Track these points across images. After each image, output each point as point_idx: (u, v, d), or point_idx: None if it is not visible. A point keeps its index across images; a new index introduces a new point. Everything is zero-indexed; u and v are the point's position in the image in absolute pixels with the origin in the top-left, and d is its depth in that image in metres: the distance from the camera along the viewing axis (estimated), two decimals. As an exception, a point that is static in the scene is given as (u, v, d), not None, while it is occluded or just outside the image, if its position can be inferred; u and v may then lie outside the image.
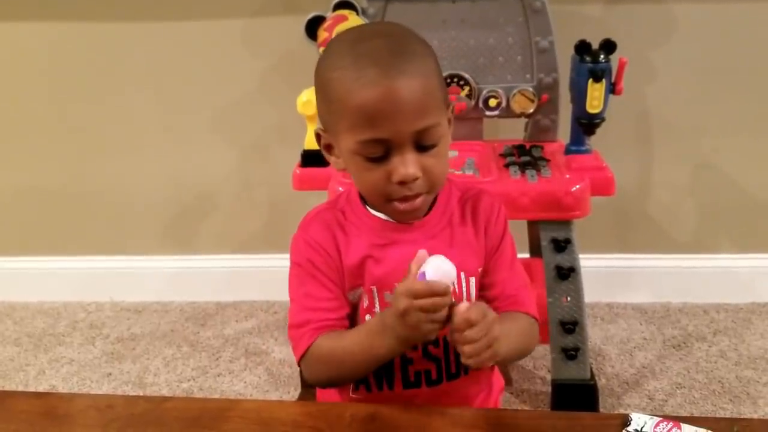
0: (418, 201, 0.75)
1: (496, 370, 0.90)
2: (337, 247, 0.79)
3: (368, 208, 0.80)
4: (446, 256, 0.70)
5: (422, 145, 0.72)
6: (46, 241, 1.94)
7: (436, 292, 0.66)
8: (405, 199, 0.74)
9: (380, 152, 0.72)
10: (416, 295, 0.66)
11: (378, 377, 0.80)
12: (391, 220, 0.79)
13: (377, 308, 0.78)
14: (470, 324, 0.66)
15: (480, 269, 0.82)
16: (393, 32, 0.76)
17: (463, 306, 0.67)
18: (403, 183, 0.72)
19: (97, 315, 1.88)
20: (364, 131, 0.71)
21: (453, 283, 0.69)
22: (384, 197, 0.75)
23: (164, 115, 1.77)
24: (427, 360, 0.79)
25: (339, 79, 0.72)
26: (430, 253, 0.70)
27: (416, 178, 0.72)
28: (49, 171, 1.86)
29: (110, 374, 1.63)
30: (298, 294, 0.79)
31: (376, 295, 0.78)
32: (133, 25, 1.69)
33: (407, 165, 0.71)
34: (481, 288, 0.83)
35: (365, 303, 0.78)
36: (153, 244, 1.91)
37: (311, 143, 1.38)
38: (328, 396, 0.85)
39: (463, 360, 0.68)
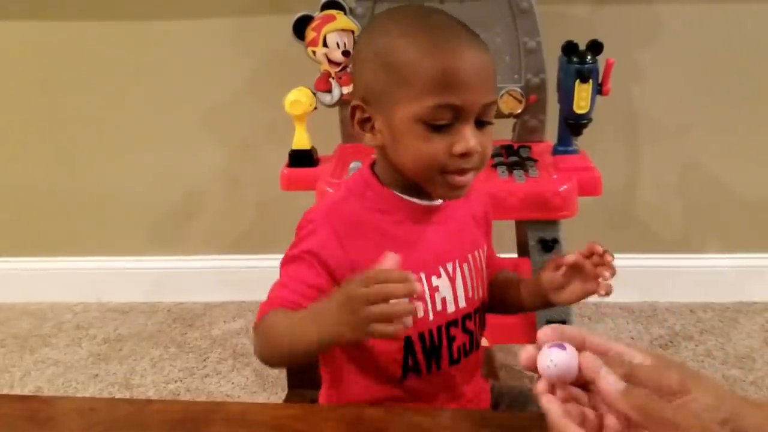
0: (470, 175, 0.74)
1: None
2: (357, 243, 0.74)
3: (393, 191, 0.77)
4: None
5: (482, 120, 0.72)
6: (32, 241, 1.92)
7: (390, 278, 0.58)
8: (462, 171, 0.73)
9: (448, 119, 0.70)
10: (373, 281, 0.58)
11: (428, 360, 0.78)
12: (421, 202, 0.77)
13: (427, 295, 0.76)
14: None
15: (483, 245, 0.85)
16: (444, 12, 0.77)
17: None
18: (464, 155, 0.71)
19: (83, 316, 1.87)
20: (437, 95, 0.69)
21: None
22: (439, 169, 0.73)
23: (152, 114, 1.76)
24: (465, 334, 0.81)
25: (410, 46, 0.71)
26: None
27: (477, 152, 0.72)
28: (35, 171, 1.85)
29: (97, 375, 1.62)
30: (290, 269, 0.75)
31: (425, 281, 0.76)
32: (122, 24, 1.68)
33: (470, 138, 0.71)
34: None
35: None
36: (140, 244, 1.90)
37: (299, 143, 1.38)
38: (357, 391, 0.80)
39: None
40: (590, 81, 1.26)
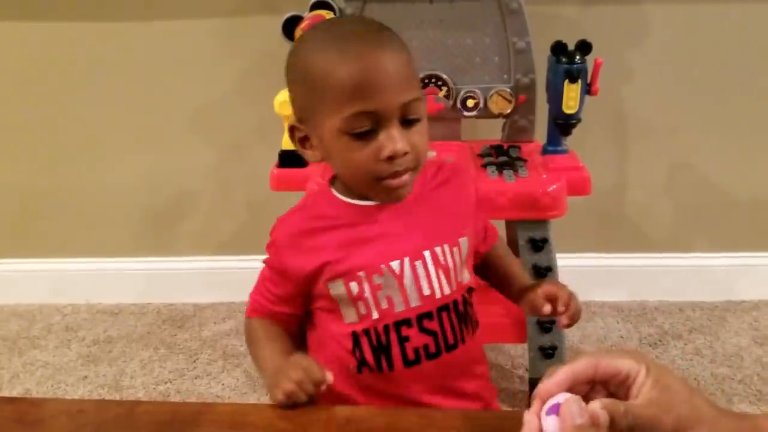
0: (406, 176, 0.75)
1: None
2: (304, 247, 0.79)
3: (340, 196, 0.81)
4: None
5: (408, 119, 0.73)
6: (21, 242, 1.91)
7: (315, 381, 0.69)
8: (395, 175, 0.74)
9: (368, 125, 0.72)
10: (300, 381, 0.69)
11: (377, 358, 0.80)
12: (367, 203, 0.79)
13: (367, 293, 0.78)
14: (554, 295, 0.80)
15: (467, 233, 0.84)
16: (365, 18, 0.79)
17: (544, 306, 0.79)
18: (392, 158, 0.72)
19: (72, 317, 1.86)
20: (352, 104, 0.71)
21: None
22: (373, 176, 0.74)
23: (141, 115, 1.75)
24: (424, 334, 0.80)
25: (321, 60, 0.73)
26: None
27: (405, 153, 0.72)
28: (24, 171, 1.83)
29: (86, 377, 1.61)
30: (263, 274, 0.84)
31: (365, 279, 0.78)
32: (111, 24, 1.67)
33: (396, 140, 0.72)
34: (477, 239, 0.88)
35: (354, 290, 0.78)
36: (130, 245, 1.89)
37: (289, 143, 1.37)
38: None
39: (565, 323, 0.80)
40: (579, 81, 1.27)
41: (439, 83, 1.39)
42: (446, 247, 0.81)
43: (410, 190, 0.78)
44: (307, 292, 0.81)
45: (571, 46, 1.28)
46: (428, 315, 0.80)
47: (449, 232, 0.82)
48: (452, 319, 0.81)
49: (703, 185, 1.71)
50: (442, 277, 0.80)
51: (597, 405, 0.46)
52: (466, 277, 0.84)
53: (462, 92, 1.40)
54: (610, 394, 0.51)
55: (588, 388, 0.52)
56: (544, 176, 1.30)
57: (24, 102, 1.77)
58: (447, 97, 1.40)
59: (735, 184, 1.71)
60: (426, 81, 1.39)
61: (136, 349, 1.70)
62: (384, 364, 0.80)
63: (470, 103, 1.40)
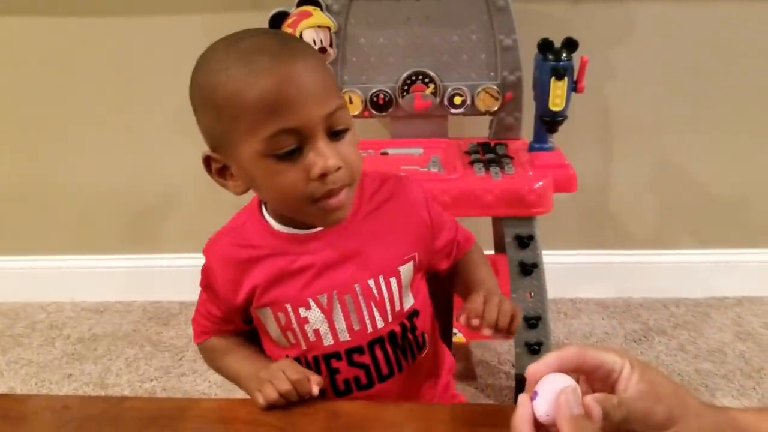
0: (343, 194, 0.68)
1: (441, 351, 0.89)
2: (232, 277, 0.76)
3: (271, 224, 0.75)
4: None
5: (335, 130, 0.66)
6: (4, 240, 1.89)
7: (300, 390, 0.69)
8: (330, 194, 0.67)
9: (291, 144, 0.64)
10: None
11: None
12: (297, 232, 0.74)
13: (294, 325, 0.75)
14: (479, 314, 0.70)
15: (412, 257, 0.78)
16: (267, 29, 0.71)
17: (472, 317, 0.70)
18: (324, 176, 0.65)
19: (57, 315, 1.84)
20: (270, 123, 0.63)
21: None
22: (306, 200, 0.67)
23: (127, 111, 1.74)
24: (353, 368, 0.77)
25: (226, 80, 0.65)
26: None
27: (338, 168, 0.66)
28: (10, 168, 1.82)
29: (71, 375, 1.60)
30: (201, 297, 0.82)
31: (291, 312, 0.75)
32: (95, 20, 1.65)
33: (325, 155, 0.65)
34: (435, 258, 0.83)
35: (282, 321, 0.76)
36: (115, 242, 1.87)
37: (275, 140, 1.37)
38: None
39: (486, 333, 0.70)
40: (565, 78, 1.27)
41: (426, 80, 1.40)
42: (381, 279, 0.75)
43: (349, 210, 0.71)
44: (245, 314, 0.79)
45: (557, 44, 1.28)
46: (358, 349, 0.77)
47: (388, 260, 0.76)
48: (387, 352, 0.78)
49: (687, 183, 1.73)
50: (375, 310, 0.76)
51: (590, 399, 0.46)
52: (409, 302, 0.79)
53: (449, 89, 1.40)
54: (594, 391, 0.51)
55: (576, 377, 0.52)
56: (530, 173, 1.30)
57: (6, 99, 1.75)
58: (434, 94, 1.40)
59: (718, 182, 1.72)
60: (413, 78, 1.39)
61: (122, 346, 1.69)
62: (365, 399, 0.78)
63: (457, 100, 1.41)
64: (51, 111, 1.75)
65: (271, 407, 0.69)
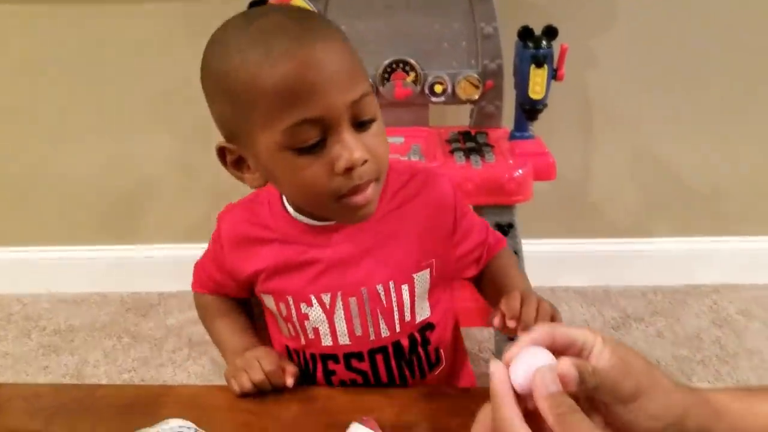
0: (370, 190, 0.63)
1: (463, 370, 0.86)
2: (239, 252, 0.74)
3: (289, 210, 0.72)
4: (365, 264, 0.70)
5: (361, 120, 0.61)
6: (-23, 231, 1.86)
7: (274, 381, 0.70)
8: (355, 190, 0.62)
9: (314, 137, 0.59)
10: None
11: (303, 379, 0.76)
12: (313, 223, 0.70)
13: (294, 319, 0.73)
14: (516, 314, 0.66)
15: (429, 264, 0.73)
16: (285, 6, 0.65)
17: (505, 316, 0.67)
18: (350, 170, 0.60)
19: (33, 307, 1.81)
20: (290, 112, 0.58)
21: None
22: (330, 196, 0.62)
23: (101, 99, 1.71)
24: (351, 372, 0.75)
25: (240, 65, 0.59)
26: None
27: (364, 161, 0.60)
28: (-21, 157, 1.78)
29: (47, 367, 1.57)
30: (209, 253, 0.80)
31: (292, 305, 0.72)
32: (69, 6, 1.62)
33: (351, 147, 0.59)
34: (460, 264, 0.79)
35: (283, 312, 0.74)
36: (91, 233, 1.85)
37: (254, 128, 1.36)
38: None
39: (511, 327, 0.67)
40: (545, 66, 1.27)
41: (407, 68, 1.39)
42: (392, 285, 0.71)
43: (375, 206, 0.66)
44: (249, 288, 0.77)
45: (537, 32, 1.28)
46: (357, 355, 0.73)
47: (402, 265, 0.71)
48: (389, 363, 0.74)
49: (666, 172, 1.74)
50: (381, 318, 0.72)
51: (568, 362, 0.46)
52: (424, 314, 0.74)
53: (430, 78, 1.40)
54: None
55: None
56: (510, 162, 1.30)
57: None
58: (415, 82, 1.39)
59: (697, 171, 1.73)
60: (394, 66, 1.39)
61: (99, 338, 1.67)
62: (339, 386, 0.76)
63: (438, 88, 1.40)
64: (23, 100, 1.72)
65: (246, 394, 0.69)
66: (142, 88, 1.69)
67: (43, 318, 1.76)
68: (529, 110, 1.33)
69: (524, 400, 0.47)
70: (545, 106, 1.32)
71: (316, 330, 0.73)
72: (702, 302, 1.74)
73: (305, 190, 0.62)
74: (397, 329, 0.73)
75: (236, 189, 0.79)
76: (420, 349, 0.75)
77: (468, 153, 1.33)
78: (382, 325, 0.72)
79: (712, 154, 1.72)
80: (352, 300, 0.71)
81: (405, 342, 0.74)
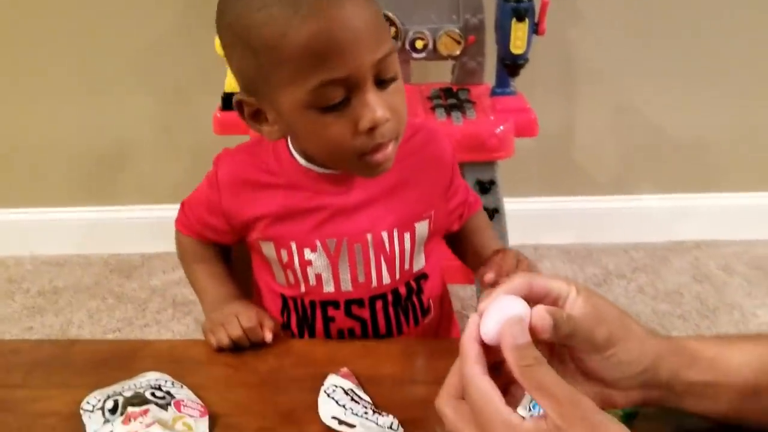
0: (390, 148, 0.64)
1: (450, 322, 0.87)
2: (240, 197, 0.73)
3: (296, 157, 0.72)
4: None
5: (383, 79, 0.62)
6: (-43, 194, 1.84)
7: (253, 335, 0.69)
8: (377, 148, 0.63)
9: (339, 96, 0.60)
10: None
11: (300, 328, 0.77)
12: (319, 170, 0.71)
13: (296, 265, 0.73)
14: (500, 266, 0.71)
15: (429, 215, 0.76)
16: None
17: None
18: (373, 129, 0.61)
19: (16, 269, 1.81)
20: (315, 74, 0.58)
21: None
22: (352, 153, 0.63)
23: (78, 59, 1.68)
24: (351, 319, 0.76)
25: (266, 21, 0.58)
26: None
27: (387, 120, 0.61)
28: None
29: (32, 328, 1.58)
30: (200, 193, 0.78)
31: (296, 251, 0.72)
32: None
33: (375, 107, 0.60)
34: (449, 219, 0.81)
35: (284, 258, 0.73)
36: (73, 194, 1.83)
37: (232, 85, 1.34)
38: None
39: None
40: (526, 20, 1.26)
41: (388, 23, 1.37)
42: (396, 233, 0.73)
43: (392, 163, 0.66)
44: (240, 235, 0.77)
45: (518, -15, 1.26)
46: (358, 302, 0.74)
47: (405, 214, 0.73)
48: (387, 310, 0.76)
49: (648, 128, 1.74)
50: (384, 265, 0.73)
51: (542, 310, 0.47)
52: (420, 263, 0.77)
53: (410, 33, 1.38)
54: None
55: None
56: (492, 118, 1.29)
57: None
58: (395, 38, 1.37)
59: (678, 127, 1.74)
60: (373, 21, 1.36)
61: (83, 299, 1.67)
62: (306, 335, 0.77)
63: (419, 44, 1.38)
64: (-1, 60, 1.69)
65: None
66: (117, 47, 1.66)
67: (26, 280, 1.76)
68: (510, 66, 1.32)
69: (495, 352, 0.47)
70: (526, 61, 1.30)
71: (318, 276, 0.73)
72: (683, 258, 1.76)
73: (328, 147, 0.64)
74: (397, 276, 0.75)
75: (216, 147, 0.78)
76: (414, 298, 0.77)
77: (449, 109, 1.32)
78: (385, 273, 0.74)
79: (694, 110, 1.72)
80: (357, 246, 0.72)
81: (403, 290, 0.76)
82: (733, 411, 0.52)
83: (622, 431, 0.42)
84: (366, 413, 0.59)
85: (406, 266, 0.75)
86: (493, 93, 1.38)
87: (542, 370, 0.44)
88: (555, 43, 1.49)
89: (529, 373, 0.44)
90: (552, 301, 0.51)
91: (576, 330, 0.48)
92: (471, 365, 0.45)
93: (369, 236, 0.72)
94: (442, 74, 1.48)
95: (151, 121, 1.74)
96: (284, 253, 0.73)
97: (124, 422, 0.56)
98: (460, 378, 0.47)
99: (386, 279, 0.74)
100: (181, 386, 0.63)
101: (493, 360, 0.47)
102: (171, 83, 1.69)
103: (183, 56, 1.64)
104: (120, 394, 0.59)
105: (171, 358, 0.67)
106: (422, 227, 0.75)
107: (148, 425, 0.55)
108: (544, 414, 0.42)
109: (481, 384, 0.44)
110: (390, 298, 0.76)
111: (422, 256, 0.77)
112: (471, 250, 0.83)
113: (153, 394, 0.59)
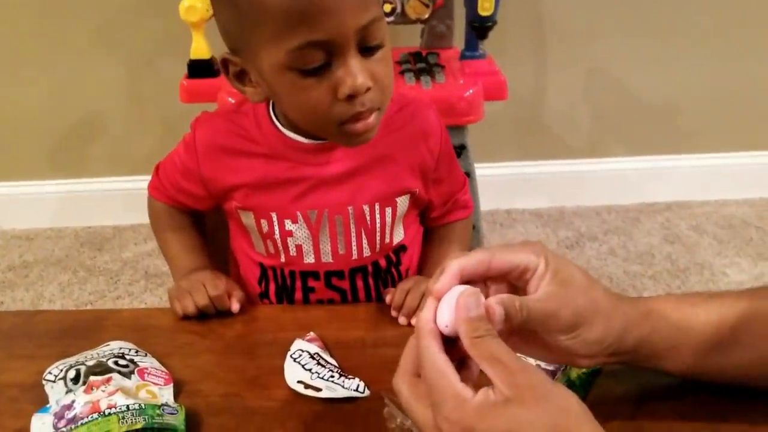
0: (372, 118, 0.62)
1: None
2: (218, 164, 0.72)
3: (278, 126, 0.70)
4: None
5: (367, 46, 0.60)
6: None
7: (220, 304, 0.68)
8: (357, 117, 0.61)
9: (319, 60, 0.59)
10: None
11: (279, 297, 0.77)
12: (301, 140, 0.69)
13: (277, 235, 0.72)
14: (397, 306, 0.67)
15: (412, 191, 0.74)
16: None
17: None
18: (353, 97, 0.60)
19: (-16, 244, 1.78)
20: (296, 34, 0.57)
21: None
22: (331, 121, 0.62)
23: (43, 29, 1.64)
24: (330, 290, 0.75)
25: None
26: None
27: (368, 89, 0.60)
28: None
29: (2, 303, 1.56)
30: (176, 156, 0.76)
31: (276, 221, 0.71)
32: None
33: (355, 73, 0.58)
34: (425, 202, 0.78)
35: (264, 228, 0.73)
36: (41, 168, 1.80)
37: (198, 52, 1.31)
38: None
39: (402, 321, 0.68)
40: (494, -19, 1.24)
41: (355, -14, 1.34)
42: (377, 206, 0.72)
43: (375, 134, 0.65)
44: (217, 201, 0.76)
45: (486, -55, 1.25)
46: (338, 273, 0.74)
47: (387, 188, 0.72)
48: (367, 282, 0.76)
49: (619, 91, 1.74)
50: (364, 238, 0.73)
51: (492, 301, 0.46)
52: (399, 236, 0.76)
53: (378, -4, 1.36)
54: (512, 288, 0.51)
55: (482, 286, 0.50)
56: (461, 81, 1.29)
57: None
58: (363, 1, 1.35)
59: (649, 89, 1.74)
60: (341, -16, 1.34)
61: (54, 272, 1.65)
62: (285, 304, 0.76)
63: (387, 8, 1.36)
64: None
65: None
66: (82, 15, 1.62)
67: (-5, 255, 1.74)
68: (478, 28, 1.30)
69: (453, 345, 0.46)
70: (495, 23, 1.29)
71: (299, 247, 0.73)
72: (654, 219, 1.78)
73: (307, 112, 0.63)
74: (377, 249, 0.74)
75: (186, 116, 0.77)
76: (393, 270, 0.77)
77: (418, 74, 1.31)
78: (365, 245, 0.73)
79: (666, 72, 1.72)
80: (339, 218, 0.71)
81: (383, 262, 0.76)
82: (695, 367, 0.52)
83: (572, 399, 0.42)
84: (332, 377, 0.59)
85: (387, 239, 0.75)
86: (463, 56, 1.37)
87: (493, 341, 0.43)
88: (524, 3, 1.48)
89: (479, 344, 0.43)
90: (518, 275, 0.49)
91: (531, 316, 0.47)
92: (427, 342, 0.45)
93: (350, 209, 0.71)
94: (409, 38, 1.46)
95: (119, 92, 1.70)
96: (264, 223, 0.72)
97: (86, 391, 0.55)
98: (416, 355, 0.46)
99: (366, 251, 0.74)
100: (145, 354, 0.62)
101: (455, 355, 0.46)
102: (137, 51, 1.66)
103: (147, 23, 1.60)
104: (82, 363, 0.59)
105: (135, 326, 0.67)
106: (403, 202, 0.74)
107: (111, 393, 0.55)
108: (492, 385, 0.42)
109: (436, 360, 0.44)
110: (370, 269, 0.75)
111: (401, 228, 0.76)
112: (431, 260, 0.80)
113: (116, 363, 0.59)
